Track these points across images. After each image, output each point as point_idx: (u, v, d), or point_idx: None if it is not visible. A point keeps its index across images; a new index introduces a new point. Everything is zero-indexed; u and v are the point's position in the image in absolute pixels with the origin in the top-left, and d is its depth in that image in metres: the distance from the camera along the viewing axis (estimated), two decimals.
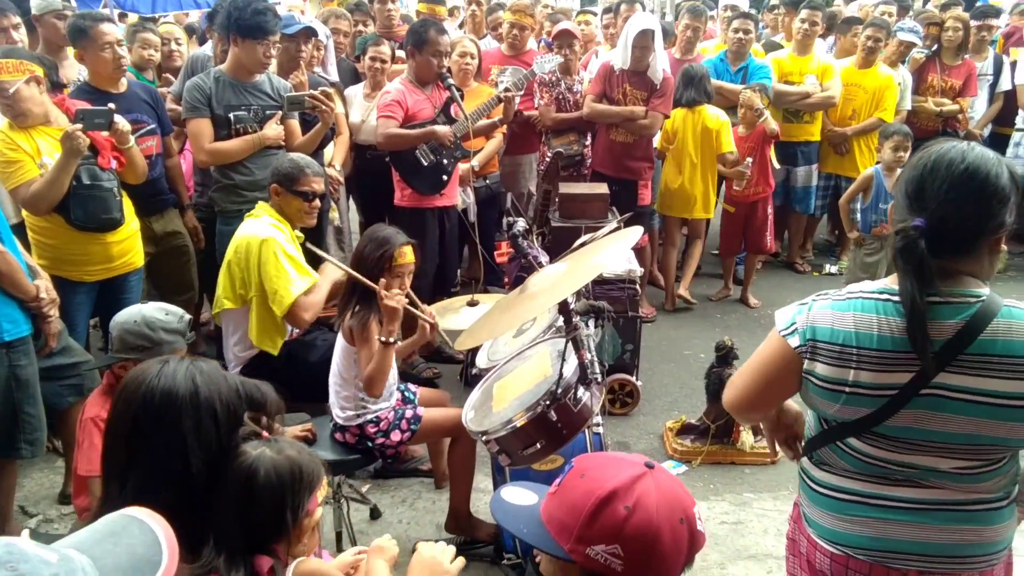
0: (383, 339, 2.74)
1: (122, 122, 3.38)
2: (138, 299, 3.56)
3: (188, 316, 2.56)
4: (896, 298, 1.50)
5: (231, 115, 3.78)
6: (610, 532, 1.23)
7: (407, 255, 2.90)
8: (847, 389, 1.53)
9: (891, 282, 1.55)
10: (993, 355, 1.44)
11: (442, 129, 4.23)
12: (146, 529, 0.88)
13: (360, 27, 5.59)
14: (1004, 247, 6.48)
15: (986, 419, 1.46)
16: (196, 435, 1.46)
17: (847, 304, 1.55)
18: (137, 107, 3.82)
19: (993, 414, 1.46)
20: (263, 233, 3.20)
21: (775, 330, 1.64)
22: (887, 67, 5.87)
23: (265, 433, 1.59)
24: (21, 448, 2.90)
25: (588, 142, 5.33)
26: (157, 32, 4.80)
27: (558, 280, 2.21)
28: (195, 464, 1.45)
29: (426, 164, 4.30)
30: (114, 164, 3.40)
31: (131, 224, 3.55)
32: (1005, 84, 6.25)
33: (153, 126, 3.91)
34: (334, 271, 3.23)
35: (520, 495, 1.42)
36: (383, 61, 4.89)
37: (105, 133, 3.31)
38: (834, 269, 6.29)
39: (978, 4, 7.29)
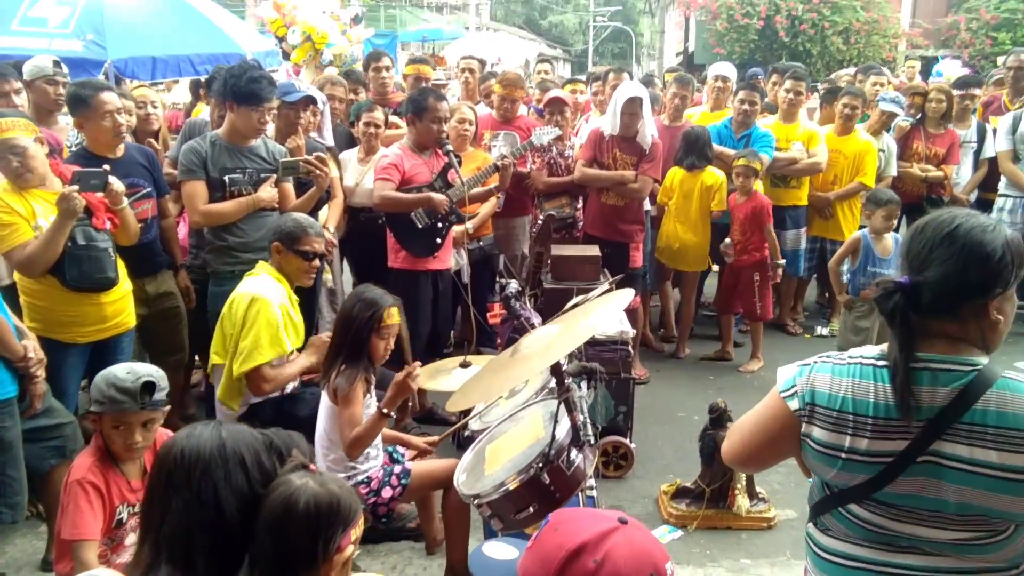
0: (384, 410, 2.76)
1: (116, 183, 3.40)
2: (129, 360, 3.54)
3: (162, 383, 2.44)
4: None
5: (226, 177, 3.82)
6: None
7: (394, 316, 2.95)
8: (843, 455, 1.53)
9: (887, 348, 1.55)
10: (987, 425, 1.43)
11: (438, 197, 4.29)
12: None
13: (353, 95, 5.71)
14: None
15: (983, 490, 1.44)
16: (227, 483, 1.58)
17: (846, 369, 1.56)
18: (134, 171, 3.86)
19: (990, 485, 1.44)
20: (256, 292, 3.23)
21: (776, 389, 1.64)
22: (865, 133, 6.02)
23: (313, 466, 1.66)
24: (1, 512, 2.85)
25: (580, 205, 5.42)
26: (131, 96, 4.85)
27: (551, 342, 2.21)
28: (228, 510, 1.57)
29: (421, 227, 4.35)
30: (108, 225, 3.42)
31: (124, 285, 3.55)
32: (989, 151, 6.40)
33: (149, 190, 3.94)
34: (316, 352, 3.27)
35: (501, 550, 1.43)
36: (376, 126, 4.99)
37: (100, 194, 3.34)
38: (825, 331, 6.32)
39: (960, 76, 7.53)
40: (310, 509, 1.54)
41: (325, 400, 2.94)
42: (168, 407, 2.52)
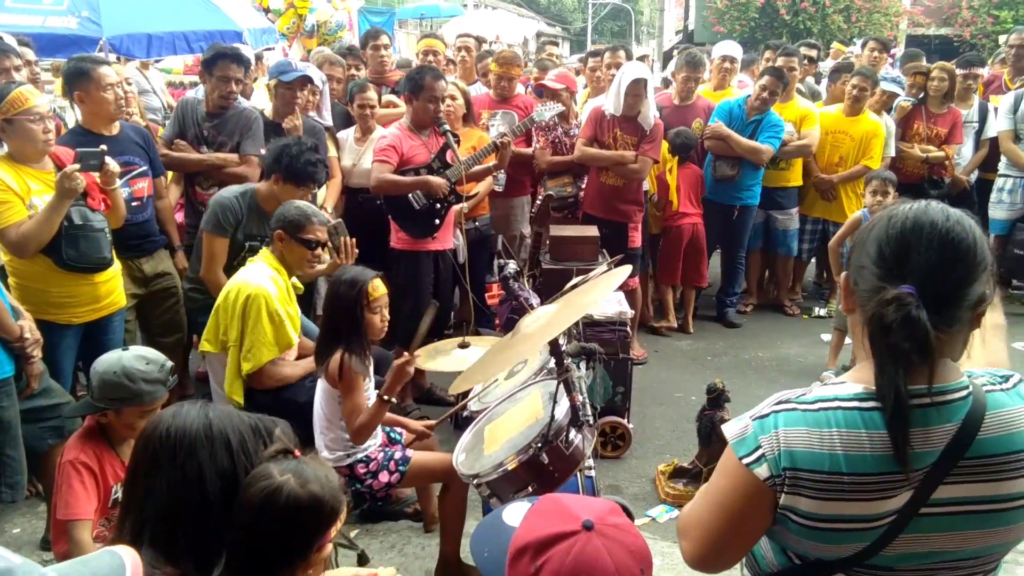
0: (386, 397, 2.75)
1: (112, 163, 3.37)
2: (121, 340, 3.54)
3: (170, 364, 2.47)
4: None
5: (248, 244, 3.71)
6: None
7: (379, 288, 2.92)
8: (839, 525, 1.25)
9: (864, 381, 1.27)
10: (995, 455, 1.23)
11: (436, 180, 4.26)
12: (116, 557, 0.94)
13: (353, 71, 5.67)
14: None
15: (990, 528, 1.26)
16: (212, 465, 1.56)
17: (826, 418, 1.26)
18: (129, 149, 3.84)
19: (997, 521, 1.25)
20: (255, 283, 3.18)
21: (732, 457, 1.31)
22: (875, 115, 5.97)
23: (297, 452, 1.62)
24: (1, 491, 2.85)
25: (583, 184, 5.39)
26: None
27: (549, 321, 2.21)
28: (212, 492, 1.55)
29: (418, 208, 4.33)
30: (102, 206, 3.40)
31: (115, 264, 3.54)
32: (990, 131, 6.36)
33: (145, 168, 3.92)
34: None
35: (518, 514, 1.41)
36: (371, 106, 4.96)
37: (95, 174, 3.32)
38: (823, 312, 6.31)
39: (964, 54, 7.46)
40: (288, 512, 1.49)
41: (322, 383, 2.93)
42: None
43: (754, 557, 1.45)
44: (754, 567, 1.45)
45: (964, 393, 1.25)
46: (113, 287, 3.52)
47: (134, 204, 3.85)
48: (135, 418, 2.38)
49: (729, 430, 1.34)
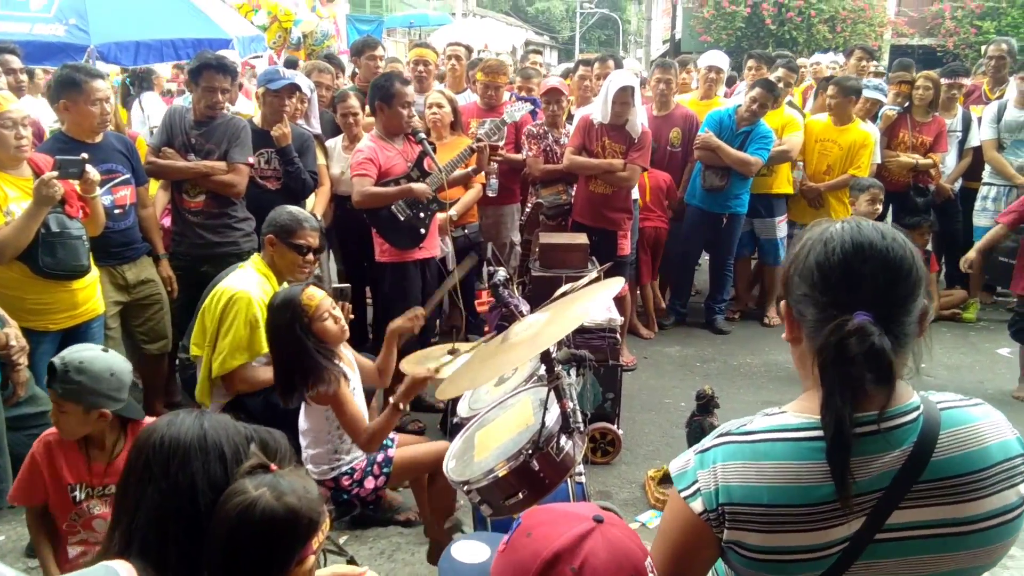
0: (400, 406, 2.70)
1: (92, 172, 3.36)
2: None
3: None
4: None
5: None
6: None
7: (315, 295, 2.74)
8: (788, 557, 1.24)
9: (809, 411, 1.25)
10: (953, 476, 1.20)
11: (419, 187, 4.25)
12: (113, 572, 0.91)
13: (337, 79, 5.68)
14: (976, 300, 6.52)
15: (954, 552, 1.22)
16: (205, 475, 1.53)
17: (763, 450, 1.25)
18: (112, 157, 3.84)
19: (961, 544, 1.22)
20: (238, 288, 3.18)
21: (674, 490, 1.33)
22: (866, 124, 6.02)
23: (274, 466, 1.56)
24: None
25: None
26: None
27: (540, 330, 2.21)
28: (203, 503, 1.51)
29: (403, 219, 4.31)
30: (80, 214, 3.38)
31: (93, 271, 3.53)
32: (974, 140, 6.42)
33: (127, 175, 3.92)
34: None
35: (472, 551, 1.37)
36: (354, 114, 4.97)
37: (75, 182, 3.30)
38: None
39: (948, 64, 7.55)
40: (262, 529, 1.45)
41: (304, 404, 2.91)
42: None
43: None
44: None
45: (915, 415, 1.23)
46: (90, 294, 3.51)
47: (116, 212, 3.86)
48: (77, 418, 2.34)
49: (674, 464, 1.36)
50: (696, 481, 1.29)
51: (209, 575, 1.46)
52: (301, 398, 2.79)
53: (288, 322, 2.67)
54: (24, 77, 4.80)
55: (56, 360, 2.32)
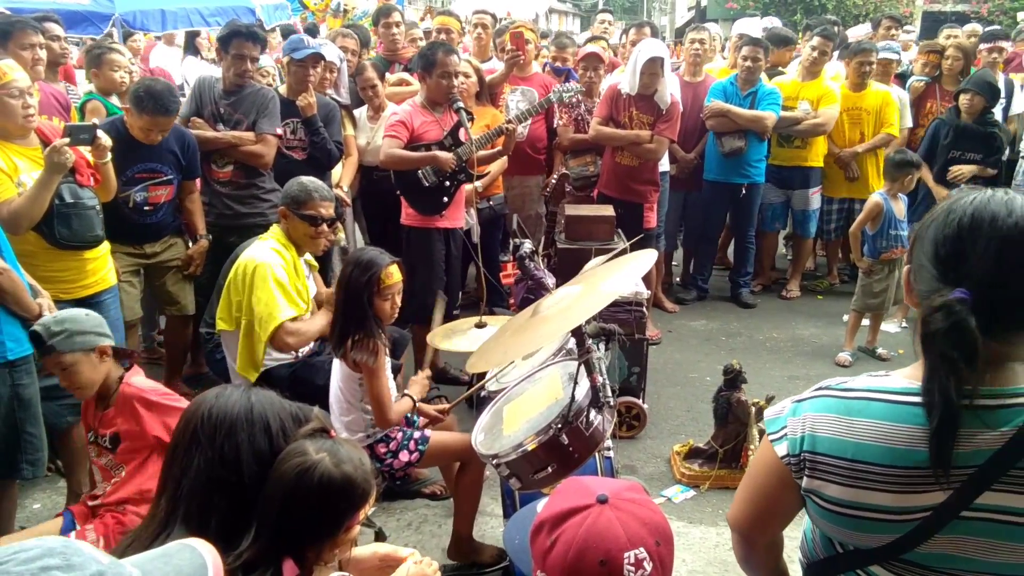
0: (416, 402, 2.94)
1: (103, 137, 3.37)
2: (117, 318, 3.55)
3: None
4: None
5: None
6: (539, 560, 1.26)
7: (394, 275, 2.88)
8: (866, 514, 1.23)
9: (917, 379, 1.22)
10: None
11: (444, 155, 4.21)
12: (196, 554, 0.92)
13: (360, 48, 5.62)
14: None
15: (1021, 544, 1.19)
16: (250, 447, 1.57)
17: (858, 407, 1.24)
18: (162, 158, 3.93)
19: None
20: (260, 257, 3.20)
21: (767, 434, 1.37)
22: (878, 84, 5.92)
23: (333, 432, 1.63)
24: (23, 468, 2.87)
25: None
26: (125, 52, 4.75)
27: (572, 304, 2.19)
28: (247, 474, 1.55)
29: (427, 184, 4.29)
30: (91, 181, 3.39)
31: (105, 243, 3.56)
32: (1016, 107, 6.20)
33: (170, 177, 3.97)
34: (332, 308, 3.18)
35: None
36: (373, 86, 4.94)
37: (86, 149, 3.31)
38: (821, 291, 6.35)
39: (989, 28, 7.32)
40: (321, 491, 1.50)
41: (339, 366, 2.92)
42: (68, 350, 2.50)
43: (806, 541, 1.45)
44: (805, 552, 1.45)
45: (1023, 400, 1.17)
46: (103, 264, 3.54)
47: (146, 208, 3.94)
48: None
49: (770, 409, 1.39)
50: (785, 427, 1.32)
51: (260, 533, 1.50)
52: (345, 355, 2.84)
53: (363, 284, 2.80)
54: (67, 45, 4.78)
55: (36, 327, 2.50)
